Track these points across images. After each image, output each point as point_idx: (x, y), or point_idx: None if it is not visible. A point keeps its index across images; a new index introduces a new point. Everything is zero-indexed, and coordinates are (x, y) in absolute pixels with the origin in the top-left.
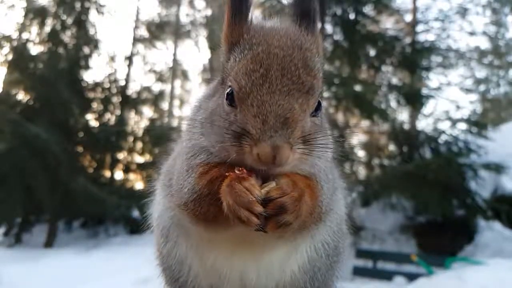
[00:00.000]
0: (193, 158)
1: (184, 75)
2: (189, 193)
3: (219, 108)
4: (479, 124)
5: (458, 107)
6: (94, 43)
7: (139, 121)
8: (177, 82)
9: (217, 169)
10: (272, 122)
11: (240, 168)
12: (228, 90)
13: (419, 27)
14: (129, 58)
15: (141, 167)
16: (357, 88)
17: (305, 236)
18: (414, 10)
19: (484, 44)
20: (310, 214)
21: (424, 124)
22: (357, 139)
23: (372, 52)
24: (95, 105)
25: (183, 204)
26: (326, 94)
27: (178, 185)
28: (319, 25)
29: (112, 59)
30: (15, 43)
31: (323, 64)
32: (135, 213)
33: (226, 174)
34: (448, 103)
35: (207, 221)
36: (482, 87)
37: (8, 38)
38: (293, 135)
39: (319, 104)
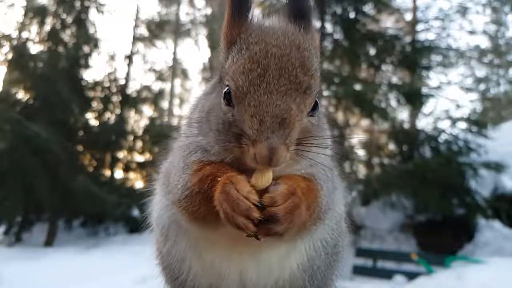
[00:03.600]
0: (189, 156)
1: (184, 74)
2: (182, 190)
3: (217, 107)
4: (479, 123)
5: (458, 106)
6: (94, 42)
7: (139, 120)
8: (177, 81)
9: (209, 167)
10: (269, 123)
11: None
12: (226, 89)
13: (419, 26)
14: (129, 57)
15: (141, 166)
16: (357, 87)
17: (304, 237)
18: (414, 9)
19: (484, 43)
20: (309, 216)
21: (424, 123)
22: (357, 138)
23: (372, 51)
24: (95, 104)
25: (177, 201)
26: (326, 93)
27: (173, 182)
28: (315, 24)
29: (112, 58)
30: (15, 42)
31: (321, 64)
32: (135, 212)
33: (218, 174)
34: (448, 102)
35: (198, 219)
36: (482, 86)
37: (8, 37)
38: (290, 136)
39: (316, 103)
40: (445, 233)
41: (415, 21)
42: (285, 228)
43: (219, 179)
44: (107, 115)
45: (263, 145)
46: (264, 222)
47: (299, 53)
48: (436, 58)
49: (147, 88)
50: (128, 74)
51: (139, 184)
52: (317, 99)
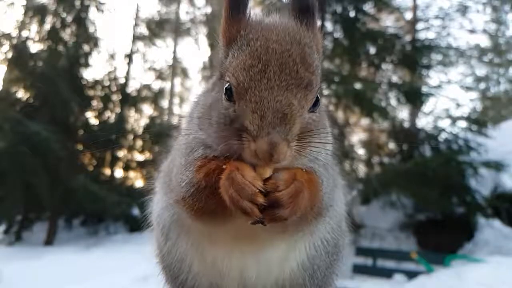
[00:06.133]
0: (191, 154)
1: (184, 73)
2: (186, 187)
3: (218, 103)
4: (479, 122)
5: (458, 105)
6: (94, 41)
7: (139, 119)
8: (177, 80)
9: (214, 162)
10: (270, 118)
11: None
12: (227, 85)
13: (419, 25)
14: (129, 56)
15: (141, 165)
16: (357, 86)
17: (305, 231)
18: (414, 8)
19: (484, 42)
20: (310, 208)
21: (424, 122)
22: (357, 137)
23: (372, 50)
24: (95, 103)
25: (182, 199)
26: (326, 92)
27: (176, 180)
28: (318, 21)
29: (112, 57)
30: (14, 41)
31: (322, 60)
32: (135, 211)
33: (223, 167)
34: (448, 101)
35: (205, 214)
36: (482, 85)
37: (7, 36)
38: (291, 131)
39: (317, 99)
40: (445, 232)
41: (415, 20)
42: (289, 212)
43: (225, 169)
44: (107, 114)
45: (264, 140)
46: (269, 207)
47: (299, 49)
48: (436, 57)
49: (147, 87)
50: (128, 73)
51: (139, 183)
52: (318, 95)
